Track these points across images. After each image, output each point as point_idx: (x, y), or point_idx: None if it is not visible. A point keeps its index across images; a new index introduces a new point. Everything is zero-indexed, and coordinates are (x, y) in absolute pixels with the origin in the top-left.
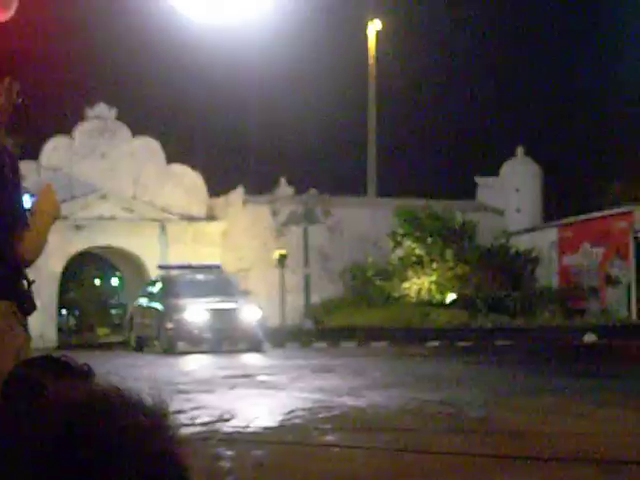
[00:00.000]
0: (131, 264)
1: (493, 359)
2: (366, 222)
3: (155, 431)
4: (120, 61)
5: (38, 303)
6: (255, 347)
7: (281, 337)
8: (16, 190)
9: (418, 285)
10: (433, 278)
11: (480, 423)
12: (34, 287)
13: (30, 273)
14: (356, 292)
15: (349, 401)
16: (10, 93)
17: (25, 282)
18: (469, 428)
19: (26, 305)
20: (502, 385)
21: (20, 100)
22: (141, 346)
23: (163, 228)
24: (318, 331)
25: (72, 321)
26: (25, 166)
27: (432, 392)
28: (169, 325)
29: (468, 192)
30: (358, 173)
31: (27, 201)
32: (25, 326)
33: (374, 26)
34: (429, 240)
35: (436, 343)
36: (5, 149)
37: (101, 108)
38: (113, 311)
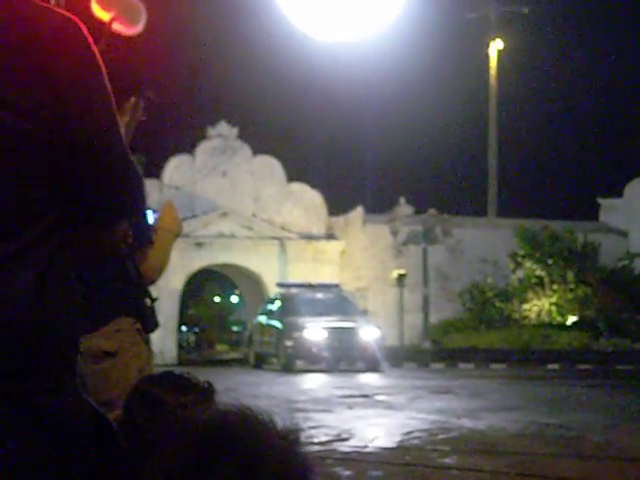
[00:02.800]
0: (250, 282)
1: (614, 383)
2: (486, 243)
3: (290, 453)
4: (242, 80)
5: (159, 320)
6: (373, 367)
7: (399, 357)
8: None
9: (538, 307)
10: (553, 300)
11: (600, 448)
12: (156, 304)
13: (152, 290)
14: (475, 313)
15: (468, 423)
16: (136, 112)
17: (148, 299)
18: (589, 453)
19: (149, 322)
20: (623, 410)
21: (144, 118)
22: (260, 363)
23: (282, 246)
24: (436, 352)
25: (192, 338)
26: (148, 184)
27: (552, 415)
28: (288, 343)
29: (590, 213)
30: (478, 193)
31: (150, 217)
32: (148, 343)
33: (496, 45)
34: (550, 261)
35: (556, 366)
36: None
37: (223, 127)
38: (232, 328)
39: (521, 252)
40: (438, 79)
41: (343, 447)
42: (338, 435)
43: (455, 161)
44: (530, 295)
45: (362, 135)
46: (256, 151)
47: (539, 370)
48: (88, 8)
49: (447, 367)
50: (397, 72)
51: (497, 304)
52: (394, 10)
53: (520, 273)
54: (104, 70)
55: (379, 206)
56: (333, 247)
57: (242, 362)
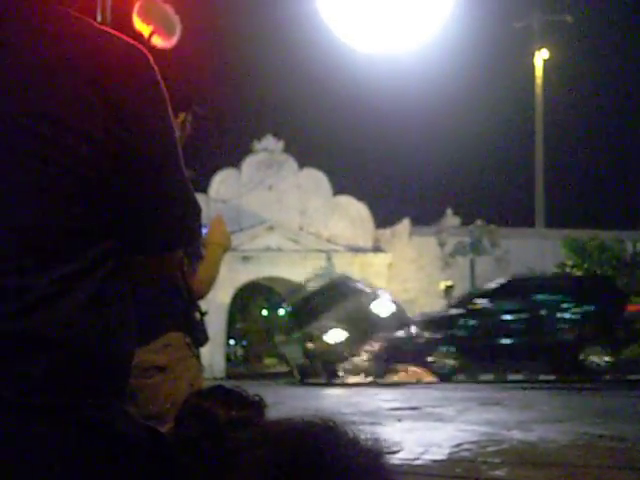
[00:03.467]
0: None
1: None
2: (534, 253)
3: (374, 467)
4: (286, 93)
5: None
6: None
7: None
8: None
9: None
10: None
11: None
12: (204, 318)
13: (200, 304)
14: None
15: (518, 435)
16: (184, 127)
17: (198, 314)
18: None
19: (199, 336)
20: None
21: (192, 133)
22: (306, 376)
23: (329, 259)
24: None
25: (240, 351)
26: None
27: (603, 427)
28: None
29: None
30: (526, 203)
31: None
32: (198, 357)
33: (541, 55)
34: (599, 271)
35: (607, 376)
36: None
37: (268, 141)
38: None
39: (569, 262)
40: (484, 89)
41: (393, 460)
42: (388, 448)
43: (502, 171)
44: None
45: (408, 147)
46: (302, 164)
47: (589, 381)
48: (131, 22)
49: (496, 378)
50: (442, 83)
51: None
52: (438, 21)
53: None
54: (167, 98)
55: (426, 218)
56: (380, 260)
57: (290, 375)
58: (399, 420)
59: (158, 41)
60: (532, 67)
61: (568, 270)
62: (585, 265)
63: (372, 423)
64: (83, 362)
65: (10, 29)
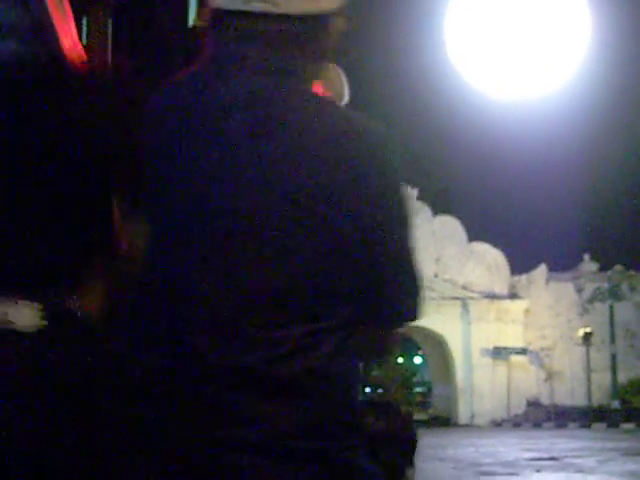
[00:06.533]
0: (433, 342)
1: None
2: None
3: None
4: (419, 141)
5: None
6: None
7: (587, 417)
8: None
9: None
10: None
11: None
12: None
13: None
14: None
15: None
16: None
17: None
18: None
19: None
20: None
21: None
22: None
23: (465, 306)
24: (626, 411)
25: (375, 399)
26: None
27: None
28: None
29: None
30: None
31: None
32: None
33: None
34: None
35: None
36: None
37: None
38: (416, 389)
39: None
40: (619, 133)
41: None
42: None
43: None
44: None
45: (544, 192)
46: (436, 211)
47: None
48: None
49: (638, 427)
50: (576, 127)
51: None
52: (572, 67)
53: None
54: (403, 184)
55: (562, 264)
56: (517, 306)
57: (427, 424)
58: (538, 471)
59: None
60: None
61: None
62: None
63: (510, 474)
64: (329, 408)
65: (278, 110)
